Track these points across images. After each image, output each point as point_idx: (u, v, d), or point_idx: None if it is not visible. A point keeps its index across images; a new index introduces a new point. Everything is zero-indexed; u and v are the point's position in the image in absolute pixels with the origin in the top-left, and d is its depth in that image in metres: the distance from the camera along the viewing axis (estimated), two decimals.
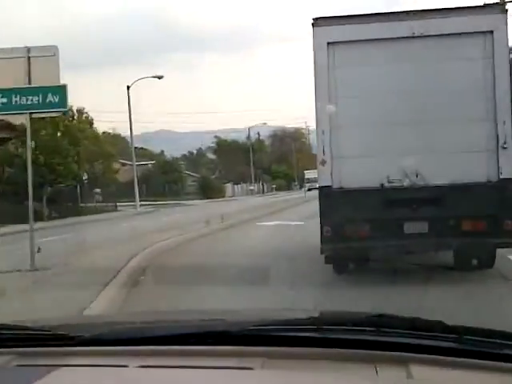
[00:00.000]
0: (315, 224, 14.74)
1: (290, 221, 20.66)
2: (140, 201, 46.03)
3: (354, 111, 8.67)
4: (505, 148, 8.30)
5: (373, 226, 8.54)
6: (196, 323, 2.01)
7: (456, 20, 8.45)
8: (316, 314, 2.27)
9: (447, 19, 8.48)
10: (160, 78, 43.77)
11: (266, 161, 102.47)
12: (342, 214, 8.57)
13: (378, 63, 8.64)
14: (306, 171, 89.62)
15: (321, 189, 8.79)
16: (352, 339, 1.67)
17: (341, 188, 8.71)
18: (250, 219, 23.23)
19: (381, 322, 1.79)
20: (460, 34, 8.44)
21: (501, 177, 8.34)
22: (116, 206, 44.40)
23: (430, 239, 8.53)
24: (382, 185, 8.61)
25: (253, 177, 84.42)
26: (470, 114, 8.43)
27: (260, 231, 18.65)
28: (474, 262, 9.30)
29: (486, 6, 10.56)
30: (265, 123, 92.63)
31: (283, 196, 55.79)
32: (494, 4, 12.75)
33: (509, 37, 8.58)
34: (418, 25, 8.49)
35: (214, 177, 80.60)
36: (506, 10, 8.54)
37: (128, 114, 44.30)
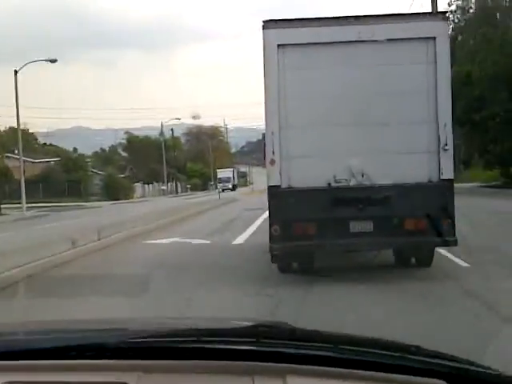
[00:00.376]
0: (224, 243, 12.84)
1: (192, 237, 15.93)
2: (35, 202, 42.17)
3: (302, 113, 8.90)
4: (445, 150, 8.76)
5: (320, 225, 8.79)
6: (75, 335, 1.92)
7: (401, 26, 8.85)
8: (200, 324, 2.21)
9: (393, 25, 8.87)
10: (53, 61, 41.36)
11: (182, 159, 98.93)
12: (290, 213, 8.78)
13: (326, 66, 8.91)
14: (218, 170, 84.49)
15: (270, 188, 8.97)
16: (231, 350, 1.64)
17: (289, 187, 8.92)
18: (140, 233, 17.43)
19: (261, 332, 1.78)
20: (404, 39, 8.84)
21: (441, 177, 8.80)
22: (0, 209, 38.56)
23: (374, 238, 8.88)
24: (329, 184, 8.89)
25: (165, 176, 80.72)
26: (414, 117, 8.84)
27: (139, 259, 12.43)
28: (413, 260, 9.76)
29: (429, 13, 11.12)
30: (178, 118, 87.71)
31: (197, 197, 53.06)
32: (436, 12, 13.33)
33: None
34: (365, 29, 8.83)
35: (123, 175, 76.03)
36: (448, 18, 9.01)
37: (15, 105, 38.31)
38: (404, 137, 8.83)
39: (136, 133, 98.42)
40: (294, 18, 9.13)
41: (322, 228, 8.79)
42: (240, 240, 15.10)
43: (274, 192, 8.91)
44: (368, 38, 8.82)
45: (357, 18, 8.99)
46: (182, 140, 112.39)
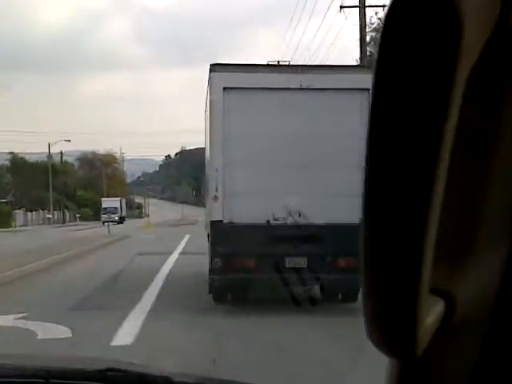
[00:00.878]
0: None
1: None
2: None
3: (245, 153, 9.52)
4: None
5: (258, 259, 9.38)
6: None
7: (338, 77, 9.71)
8: (51, 364, 2.22)
9: (330, 75, 9.73)
10: None
11: (72, 186, 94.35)
12: (231, 247, 9.32)
13: (268, 110, 9.61)
14: (102, 199, 75.98)
15: (212, 223, 9.47)
16: None
17: (231, 223, 9.45)
18: None
19: (109, 376, 1.85)
20: (341, 89, 9.69)
21: None
22: None
23: (308, 274, 9.56)
24: (268, 221, 9.52)
25: (51, 203, 76.48)
26: (346, 162, 9.65)
27: None
28: (340, 296, 10.50)
29: (364, 66, 12.10)
30: (68, 140, 79.69)
31: (85, 229, 48.20)
32: (371, 65, 14.32)
33: None
34: (306, 78, 9.63)
35: (4, 201, 70.61)
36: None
37: None
38: (338, 180, 9.61)
39: (26, 156, 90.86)
40: (239, 63, 9.76)
41: (260, 262, 9.37)
42: (123, 338, 8.20)
43: (216, 226, 9.42)
44: (307, 86, 9.60)
45: (298, 67, 9.80)
46: (76, 166, 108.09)
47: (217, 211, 9.47)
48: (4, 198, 71.71)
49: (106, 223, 51.99)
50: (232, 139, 9.48)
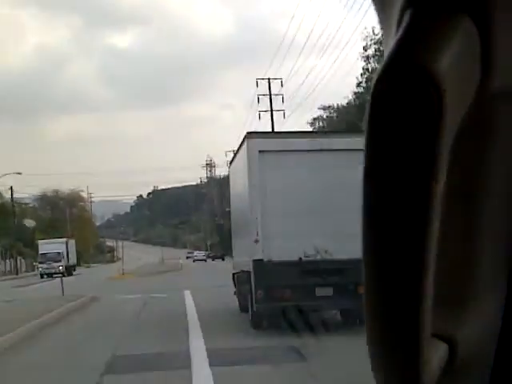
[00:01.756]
0: None
1: None
2: None
3: (278, 203, 11.99)
4: None
5: (293, 290, 11.76)
6: None
7: (351, 140, 12.28)
8: None
9: (344, 138, 12.30)
10: None
11: (29, 230, 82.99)
12: (270, 281, 11.70)
13: (296, 168, 12.13)
14: (40, 241, 59.44)
15: (254, 261, 11.85)
16: None
17: (269, 261, 11.85)
18: None
19: None
20: (352, 149, 12.23)
21: None
22: None
23: (334, 301, 11.97)
24: (300, 258, 11.94)
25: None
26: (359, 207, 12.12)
27: None
28: (357, 320, 12.82)
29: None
30: (19, 173, 69.22)
31: (36, 283, 43.76)
32: None
33: None
34: (324, 141, 12.20)
35: None
36: None
37: None
38: (355, 221, 12.02)
39: None
40: (270, 131, 12.32)
41: (295, 292, 11.75)
42: None
43: (258, 264, 11.80)
44: (326, 147, 12.15)
45: (317, 132, 12.38)
46: (35, 207, 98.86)
47: (258, 251, 11.86)
48: None
49: (45, 276, 43.80)
50: (267, 192, 11.94)
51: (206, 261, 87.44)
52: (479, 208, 0.73)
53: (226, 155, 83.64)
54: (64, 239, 60.55)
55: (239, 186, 13.71)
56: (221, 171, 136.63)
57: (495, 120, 0.71)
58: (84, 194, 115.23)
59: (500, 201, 0.75)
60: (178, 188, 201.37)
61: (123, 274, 45.40)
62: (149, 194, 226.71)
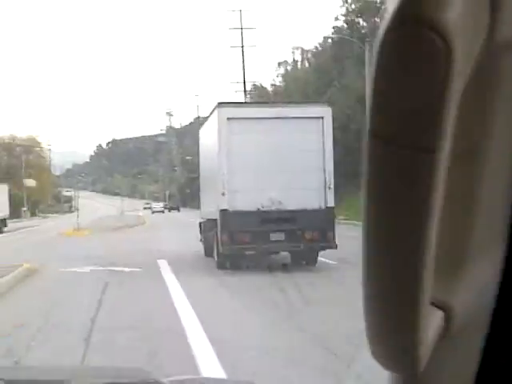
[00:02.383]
0: None
1: None
2: None
3: (241, 162, 14.55)
4: (330, 188, 14.81)
5: (252, 235, 14.42)
6: None
7: (304, 109, 14.92)
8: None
9: (299, 108, 14.93)
10: None
11: None
12: (234, 227, 14.33)
13: (256, 132, 14.68)
14: None
15: (221, 210, 14.44)
16: None
17: (233, 210, 14.46)
18: None
19: None
20: (305, 117, 14.83)
21: (327, 205, 14.82)
22: None
23: (285, 244, 14.70)
24: (258, 208, 14.57)
25: None
26: (310, 166, 14.80)
27: None
28: (303, 261, 15.57)
29: (319, 102, 17.42)
30: None
31: None
32: (324, 102, 19.55)
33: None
34: (281, 110, 14.78)
35: None
36: (329, 105, 15.25)
37: None
38: (305, 179, 14.75)
39: None
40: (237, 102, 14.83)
41: (253, 237, 14.42)
42: None
43: (223, 213, 14.41)
44: (283, 115, 14.71)
45: (275, 102, 14.93)
46: None
47: (224, 202, 14.46)
48: None
49: None
50: (232, 154, 14.48)
51: (163, 212, 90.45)
52: (479, 169, 0.72)
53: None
54: None
55: (209, 147, 16.29)
56: (181, 120, 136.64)
57: (502, 71, 0.70)
58: (41, 140, 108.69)
59: (500, 162, 0.73)
60: (137, 138, 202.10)
61: (78, 229, 36.82)
62: (108, 143, 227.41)
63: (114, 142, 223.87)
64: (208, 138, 16.67)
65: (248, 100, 49.89)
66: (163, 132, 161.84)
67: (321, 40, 52.77)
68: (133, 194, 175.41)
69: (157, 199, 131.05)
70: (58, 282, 14.37)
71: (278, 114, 14.79)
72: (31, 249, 24.53)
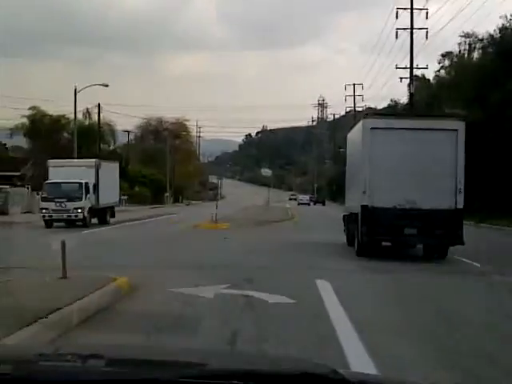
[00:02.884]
0: None
1: None
2: None
3: (381, 166, 17.49)
4: (460, 192, 17.40)
5: (388, 228, 17.36)
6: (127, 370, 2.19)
7: (440, 121, 17.64)
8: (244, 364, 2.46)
9: (436, 120, 17.67)
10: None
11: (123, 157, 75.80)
12: (372, 220, 17.35)
13: (396, 141, 17.56)
14: (50, 161, 34.66)
15: (362, 206, 17.50)
16: None
17: (372, 206, 17.45)
18: None
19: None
20: (441, 129, 17.51)
21: (457, 207, 17.44)
22: None
23: (418, 238, 17.55)
24: (395, 206, 17.47)
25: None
26: (444, 172, 17.45)
27: None
28: (435, 254, 18.32)
29: (454, 115, 20.15)
30: (106, 85, 55.25)
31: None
32: (458, 115, 22.07)
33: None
34: (421, 122, 17.58)
35: (18, 174, 57.34)
36: (464, 119, 17.87)
37: None
38: (439, 183, 17.44)
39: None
40: (381, 113, 17.86)
41: (390, 230, 17.36)
42: None
43: (364, 208, 17.45)
44: (422, 127, 17.49)
45: (416, 114, 17.77)
46: (136, 135, 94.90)
47: (364, 199, 17.49)
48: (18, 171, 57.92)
49: (51, 222, 30.99)
50: (374, 159, 17.47)
51: (309, 204, 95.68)
52: None
53: (345, 99, 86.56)
54: (93, 160, 35.83)
55: (354, 151, 19.43)
56: (333, 111, 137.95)
57: None
58: (190, 125, 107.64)
59: None
60: (286, 129, 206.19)
61: (216, 221, 32.74)
62: (257, 133, 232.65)
63: (263, 131, 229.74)
64: (354, 142, 19.86)
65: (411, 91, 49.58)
66: (315, 123, 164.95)
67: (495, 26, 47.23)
68: (280, 184, 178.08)
69: (304, 191, 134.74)
70: (159, 319, 8.75)
71: (417, 125, 17.62)
72: (147, 247, 21.06)
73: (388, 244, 18.68)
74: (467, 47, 50.93)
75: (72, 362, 2.28)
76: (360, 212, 17.80)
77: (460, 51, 52.20)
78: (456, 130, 17.56)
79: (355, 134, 19.65)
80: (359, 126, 18.60)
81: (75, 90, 52.18)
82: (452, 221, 17.40)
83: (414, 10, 50.21)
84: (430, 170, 17.53)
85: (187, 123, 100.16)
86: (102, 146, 66.95)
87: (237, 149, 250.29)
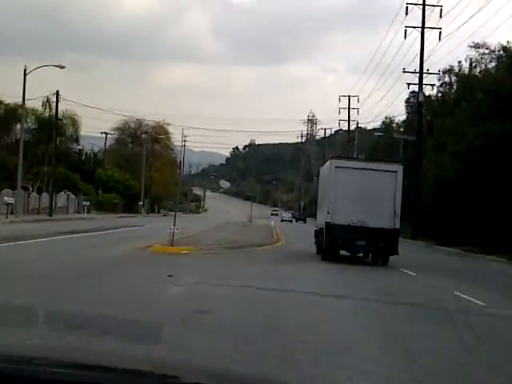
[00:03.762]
0: None
1: None
2: None
3: (342, 195, 25.86)
4: (397, 216, 25.80)
5: (344, 240, 25.73)
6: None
7: (385, 165, 26.28)
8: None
9: (382, 164, 26.25)
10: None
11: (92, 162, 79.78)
12: (333, 233, 25.70)
13: (353, 176, 25.98)
14: None
15: (326, 223, 25.83)
16: None
17: (333, 223, 25.81)
18: None
19: None
20: (385, 170, 26.00)
21: (395, 227, 25.83)
22: None
23: (366, 248, 25.99)
24: (349, 224, 25.84)
25: (19, 176, 48.84)
26: (386, 201, 25.83)
27: None
28: (379, 261, 26.67)
29: (395, 161, 28.85)
30: (62, 66, 52.77)
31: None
32: (397, 161, 30.56)
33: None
34: (371, 165, 26.18)
35: None
36: (402, 163, 26.44)
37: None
38: (382, 207, 25.78)
39: None
40: (343, 156, 26.39)
41: (345, 241, 25.73)
42: None
43: (327, 224, 25.81)
44: (372, 168, 25.93)
45: (369, 160, 26.27)
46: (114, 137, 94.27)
47: (328, 218, 25.81)
48: None
49: None
50: (336, 189, 25.82)
51: (291, 221, 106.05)
52: None
53: (339, 111, 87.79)
54: None
55: (323, 182, 27.97)
56: (321, 130, 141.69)
57: None
58: (174, 132, 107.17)
59: None
60: (274, 145, 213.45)
61: (172, 242, 25.97)
62: (245, 146, 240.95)
63: (251, 146, 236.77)
64: (324, 175, 28.39)
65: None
66: (304, 139, 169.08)
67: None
68: (265, 200, 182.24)
69: (290, 208, 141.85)
70: None
71: (368, 167, 26.01)
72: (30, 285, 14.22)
73: (346, 254, 27.07)
74: (479, 58, 49.91)
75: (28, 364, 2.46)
76: (324, 227, 26.08)
77: (470, 63, 51.10)
78: (396, 172, 25.91)
79: (325, 169, 28.19)
80: (328, 164, 27.11)
81: (25, 71, 47.62)
82: (391, 237, 25.60)
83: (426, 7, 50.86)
84: (376, 198, 25.80)
85: (168, 127, 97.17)
86: (62, 142, 65.71)
87: (224, 162, 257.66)
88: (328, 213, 26.01)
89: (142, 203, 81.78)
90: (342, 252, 27.00)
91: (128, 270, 18.80)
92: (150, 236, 34.53)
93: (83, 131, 73.50)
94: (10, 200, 46.78)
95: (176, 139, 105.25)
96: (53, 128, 58.45)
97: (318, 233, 29.54)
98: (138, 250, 25.35)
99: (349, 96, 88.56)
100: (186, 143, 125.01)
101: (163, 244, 26.84)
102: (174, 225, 26.45)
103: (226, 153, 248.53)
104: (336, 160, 27.02)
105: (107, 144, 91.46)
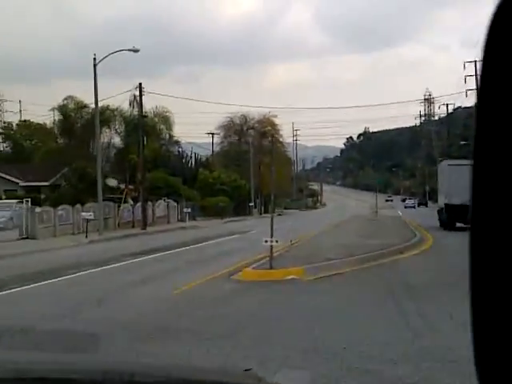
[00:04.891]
0: None
1: None
2: None
3: (455, 184, 40.54)
4: None
5: (458, 215, 40.70)
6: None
7: None
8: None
9: None
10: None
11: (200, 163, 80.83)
12: (449, 210, 40.76)
13: (461, 171, 40.61)
14: None
15: (445, 204, 40.78)
16: None
17: (449, 203, 40.69)
18: None
19: None
20: None
21: None
22: None
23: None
24: (462, 203, 40.60)
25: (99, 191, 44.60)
26: None
27: None
28: None
29: None
30: (137, 50, 46.75)
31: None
32: None
33: None
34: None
35: (47, 184, 61.34)
36: None
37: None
38: None
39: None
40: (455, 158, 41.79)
41: (458, 215, 40.68)
42: None
43: (446, 205, 40.76)
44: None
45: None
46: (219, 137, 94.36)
47: (446, 200, 40.54)
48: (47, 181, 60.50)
49: None
50: (451, 180, 40.59)
51: (414, 207, 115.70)
52: None
53: (465, 80, 78.92)
54: None
55: (441, 175, 42.74)
56: (439, 110, 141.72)
57: None
58: (282, 127, 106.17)
59: None
60: (389, 130, 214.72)
61: (270, 266, 18.77)
62: (359, 135, 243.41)
63: (365, 134, 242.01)
64: (441, 170, 43.08)
65: None
66: (421, 122, 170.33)
67: None
68: (385, 188, 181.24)
69: (413, 195, 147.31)
70: None
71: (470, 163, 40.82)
72: None
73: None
74: None
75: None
76: (444, 206, 40.90)
77: None
78: None
79: (441, 167, 42.84)
80: (443, 163, 42.10)
81: (94, 59, 43.43)
82: None
83: None
84: None
85: (275, 119, 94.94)
86: (154, 143, 63.89)
87: (338, 154, 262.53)
88: (445, 197, 40.77)
89: (252, 204, 78.28)
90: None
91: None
92: (250, 248, 26.83)
93: (189, 137, 72.95)
94: (89, 215, 41.38)
95: (287, 134, 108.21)
96: (139, 127, 53.60)
97: (439, 211, 43.57)
98: (214, 281, 17.86)
99: (475, 61, 74.44)
100: (300, 139, 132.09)
101: (259, 265, 19.75)
102: (272, 235, 19.50)
103: (341, 145, 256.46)
104: (446, 161, 41.87)
105: (212, 146, 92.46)
